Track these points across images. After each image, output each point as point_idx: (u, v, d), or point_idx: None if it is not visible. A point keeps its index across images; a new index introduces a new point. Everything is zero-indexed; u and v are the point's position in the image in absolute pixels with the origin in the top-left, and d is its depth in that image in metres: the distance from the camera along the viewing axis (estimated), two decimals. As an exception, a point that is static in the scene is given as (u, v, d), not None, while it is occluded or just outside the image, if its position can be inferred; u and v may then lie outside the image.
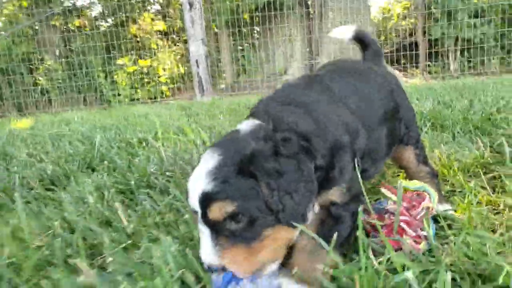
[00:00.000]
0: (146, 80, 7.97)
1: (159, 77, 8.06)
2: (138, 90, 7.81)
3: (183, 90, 8.39)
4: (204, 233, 0.77)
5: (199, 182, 0.77)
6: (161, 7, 9.63)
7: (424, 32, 8.33)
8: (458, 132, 1.78)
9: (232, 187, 0.75)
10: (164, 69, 8.20)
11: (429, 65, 8.43)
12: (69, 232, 1.07)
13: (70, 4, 8.59)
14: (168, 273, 0.79)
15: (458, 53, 8.20)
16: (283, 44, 8.74)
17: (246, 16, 8.19)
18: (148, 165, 1.56)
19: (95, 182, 1.48)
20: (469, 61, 8.18)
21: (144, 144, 2.09)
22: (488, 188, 1.12)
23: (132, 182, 1.34)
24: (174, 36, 9.31)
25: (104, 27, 8.90)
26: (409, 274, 0.66)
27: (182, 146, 1.87)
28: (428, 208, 0.91)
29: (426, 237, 0.88)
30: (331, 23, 8.25)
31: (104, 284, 0.77)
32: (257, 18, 8.15)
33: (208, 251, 0.75)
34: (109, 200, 1.25)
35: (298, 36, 8.60)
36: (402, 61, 8.39)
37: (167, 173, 1.47)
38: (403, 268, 0.76)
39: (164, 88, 8.08)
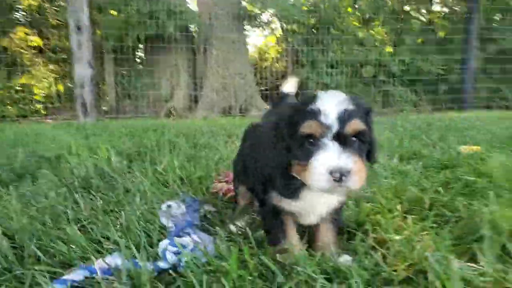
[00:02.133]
0: (16, 97, 8.37)
1: (34, 95, 8.57)
2: (9, 107, 8.19)
3: (61, 110, 9.01)
4: (334, 146, 1.00)
5: (340, 104, 1.03)
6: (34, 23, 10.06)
7: (293, 74, 10.70)
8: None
9: (362, 115, 1.08)
10: (38, 88, 8.70)
11: (296, 103, 10.78)
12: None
13: None
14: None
15: (319, 95, 10.71)
16: (169, 74, 10.13)
17: (133, 43, 9.35)
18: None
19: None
20: (327, 102, 10.75)
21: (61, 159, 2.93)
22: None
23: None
24: (50, 54, 9.87)
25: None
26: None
27: (97, 163, 2.69)
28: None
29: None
30: (214, 60, 9.94)
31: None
32: (144, 47, 9.40)
33: (341, 158, 0.98)
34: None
35: (183, 67, 10.09)
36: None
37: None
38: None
39: (38, 106, 8.60)
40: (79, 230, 1.52)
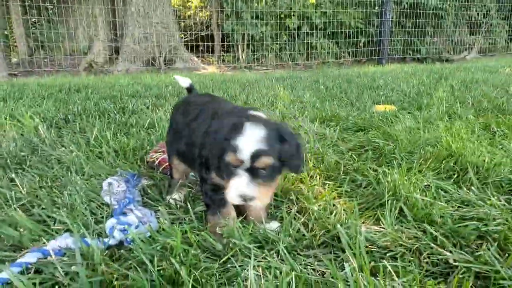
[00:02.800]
0: None
1: None
2: None
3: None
4: (244, 175, 1.26)
5: (254, 143, 1.26)
6: None
7: (218, 26, 10.48)
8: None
9: (274, 149, 1.28)
10: None
11: (222, 55, 10.66)
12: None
13: None
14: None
15: (245, 46, 10.67)
16: (85, 23, 9.39)
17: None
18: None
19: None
20: (254, 54, 10.78)
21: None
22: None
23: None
24: None
25: None
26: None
27: (24, 133, 2.61)
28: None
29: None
30: (134, 8, 9.37)
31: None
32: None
33: (245, 186, 1.25)
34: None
35: (100, 16, 9.41)
36: (200, 49, 10.37)
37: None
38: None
39: None
40: (22, 211, 1.53)
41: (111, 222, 1.41)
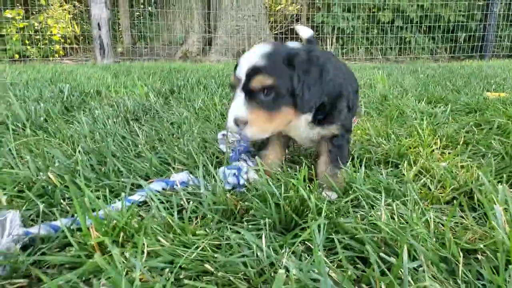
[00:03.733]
0: (37, 37, 8.36)
1: (52, 35, 8.53)
2: (29, 47, 8.21)
3: (77, 51, 8.98)
4: (240, 96, 1.12)
5: (252, 59, 1.12)
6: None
7: (307, 19, 10.43)
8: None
9: (275, 69, 1.11)
10: (56, 28, 8.67)
11: (310, 49, 10.61)
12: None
13: None
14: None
15: (334, 40, 10.49)
16: (182, 16, 9.92)
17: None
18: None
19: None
20: (342, 48, 10.55)
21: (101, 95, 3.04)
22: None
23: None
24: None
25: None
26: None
27: (137, 98, 2.90)
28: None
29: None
30: (228, 1, 9.69)
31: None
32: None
33: (239, 108, 1.11)
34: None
35: (196, 10, 9.87)
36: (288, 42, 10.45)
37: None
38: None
39: (57, 47, 8.59)
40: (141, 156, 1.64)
41: (222, 168, 1.44)
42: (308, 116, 1.31)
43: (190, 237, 0.96)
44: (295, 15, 10.99)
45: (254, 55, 1.14)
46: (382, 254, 0.87)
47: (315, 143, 1.45)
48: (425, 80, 4.14)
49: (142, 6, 9.51)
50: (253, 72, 1.12)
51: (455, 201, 1.26)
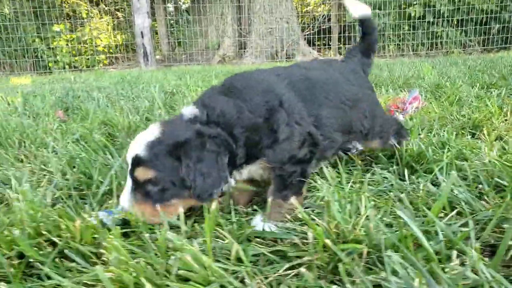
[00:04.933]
0: (83, 48, 8.94)
1: (97, 46, 9.09)
2: (76, 58, 8.77)
3: (118, 60, 9.53)
4: (128, 184, 1.10)
5: (137, 146, 1.08)
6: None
7: (338, 19, 10.66)
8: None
9: (159, 161, 1.07)
10: (100, 39, 9.23)
11: (339, 47, 10.82)
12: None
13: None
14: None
15: (365, 38, 10.69)
16: (216, 21, 10.35)
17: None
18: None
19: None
20: (373, 46, 10.75)
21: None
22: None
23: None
24: (104, 6, 10.27)
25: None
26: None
27: None
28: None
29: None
30: (259, 5, 10.04)
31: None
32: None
33: (125, 198, 1.10)
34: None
35: (229, 15, 10.27)
36: (317, 43, 10.69)
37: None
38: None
39: (102, 57, 9.14)
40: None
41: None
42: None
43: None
44: (326, 16, 11.23)
45: (139, 143, 1.10)
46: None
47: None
48: (470, 70, 4.33)
49: (177, 13, 9.97)
50: (135, 162, 1.08)
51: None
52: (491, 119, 1.93)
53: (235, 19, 10.41)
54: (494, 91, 2.94)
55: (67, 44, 8.62)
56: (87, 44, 8.97)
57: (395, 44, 10.62)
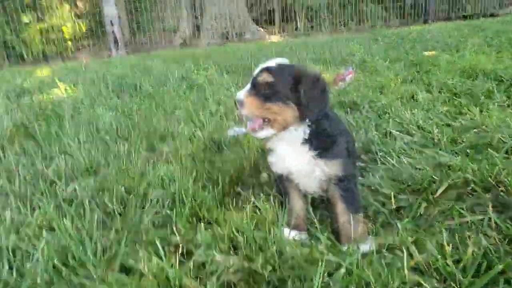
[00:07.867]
0: (52, 37, 9.60)
1: (63, 34, 9.79)
2: (46, 46, 9.46)
3: (86, 47, 10.27)
4: (247, 86, 1.40)
5: (268, 63, 1.41)
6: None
7: (278, 0, 12.16)
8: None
9: (281, 73, 1.36)
10: (66, 27, 9.92)
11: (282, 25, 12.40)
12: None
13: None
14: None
15: (303, 17, 12.28)
16: (169, 5, 11.34)
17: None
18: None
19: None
20: (310, 23, 12.39)
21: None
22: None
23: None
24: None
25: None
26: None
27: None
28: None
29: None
30: (209, -11, 11.14)
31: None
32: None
33: (241, 93, 1.39)
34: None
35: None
36: (263, 23, 12.18)
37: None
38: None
39: (69, 43, 9.87)
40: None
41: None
42: (304, 131, 1.40)
43: None
44: (266, -1, 12.57)
45: (272, 62, 1.40)
46: None
47: (323, 189, 1.48)
48: (385, 46, 6.03)
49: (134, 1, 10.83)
50: (262, 70, 1.37)
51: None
52: (390, 82, 3.52)
53: (188, 3, 11.47)
54: (397, 64, 4.59)
55: (39, 35, 9.27)
56: (55, 32, 9.63)
57: (329, 21, 12.33)
